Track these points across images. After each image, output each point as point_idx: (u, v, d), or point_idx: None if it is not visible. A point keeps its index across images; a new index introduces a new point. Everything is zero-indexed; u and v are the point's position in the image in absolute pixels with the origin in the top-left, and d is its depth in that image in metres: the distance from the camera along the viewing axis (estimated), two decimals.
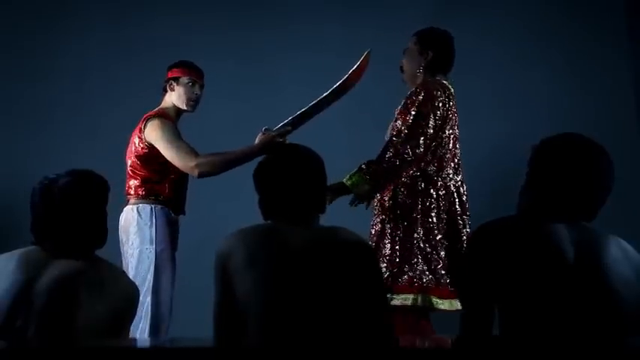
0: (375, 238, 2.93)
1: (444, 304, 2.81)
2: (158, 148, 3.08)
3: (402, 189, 2.91)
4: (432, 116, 2.88)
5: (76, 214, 1.94)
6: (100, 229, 2.01)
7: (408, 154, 2.85)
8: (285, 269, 1.95)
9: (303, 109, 3.10)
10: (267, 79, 4.50)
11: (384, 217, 2.93)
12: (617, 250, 1.79)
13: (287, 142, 2.98)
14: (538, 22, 4.46)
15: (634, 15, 4.46)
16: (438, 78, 3.03)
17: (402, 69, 3.13)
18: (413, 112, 2.90)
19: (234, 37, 4.48)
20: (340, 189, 2.86)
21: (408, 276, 2.80)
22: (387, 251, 2.86)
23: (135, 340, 1.83)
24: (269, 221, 2.10)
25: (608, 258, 1.76)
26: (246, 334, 1.93)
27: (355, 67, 3.12)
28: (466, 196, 3.00)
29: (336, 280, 1.95)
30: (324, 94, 3.12)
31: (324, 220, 2.15)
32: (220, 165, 3.04)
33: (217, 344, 1.86)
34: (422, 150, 2.86)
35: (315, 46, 4.47)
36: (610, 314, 1.72)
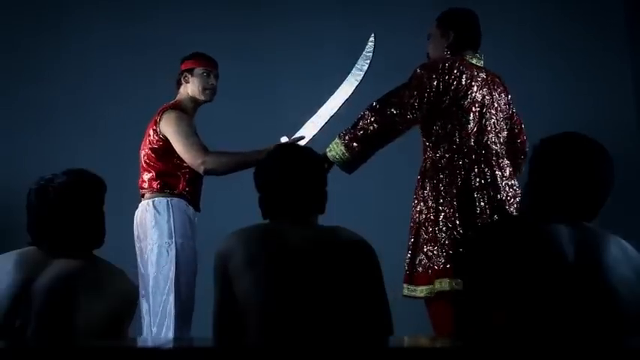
0: (413, 232, 2.84)
1: None
2: (171, 141, 3.08)
3: (427, 173, 2.82)
4: (417, 87, 2.77)
5: (72, 213, 1.94)
6: (97, 228, 2.01)
7: (385, 121, 2.74)
8: (285, 269, 1.95)
9: (313, 117, 3.12)
10: (267, 78, 4.50)
11: (419, 207, 2.83)
12: (618, 250, 1.78)
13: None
14: (538, 22, 4.47)
15: (634, 15, 4.46)
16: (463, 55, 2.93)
17: (428, 56, 3.05)
18: (402, 82, 2.82)
19: (234, 36, 4.48)
20: (323, 159, 2.76)
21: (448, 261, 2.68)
22: (423, 242, 2.77)
23: (134, 339, 1.83)
24: (269, 220, 2.10)
25: (609, 258, 1.76)
26: (246, 334, 1.93)
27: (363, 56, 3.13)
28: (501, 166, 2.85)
29: (336, 280, 1.95)
30: (332, 97, 3.14)
31: (325, 220, 2.15)
32: (227, 165, 3.07)
33: (217, 344, 1.86)
34: (399, 119, 2.74)
35: (315, 44, 4.47)
36: (610, 314, 1.72)
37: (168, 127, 3.09)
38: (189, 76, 3.25)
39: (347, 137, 2.79)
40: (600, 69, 4.38)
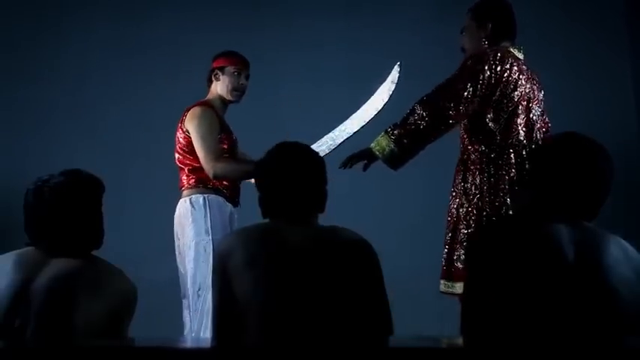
0: (451, 226, 2.80)
1: None
2: (191, 136, 3.08)
3: (472, 167, 2.78)
4: (470, 79, 2.71)
5: (68, 214, 1.93)
6: (95, 229, 2.00)
7: (436, 115, 2.68)
8: (285, 269, 1.94)
9: (329, 134, 3.11)
10: (267, 78, 4.50)
11: (458, 200, 2.79)
12: (618, 249, 1.78)
13: None
14: (538, 21, 4.46)
15: (634, 15, 4.46)
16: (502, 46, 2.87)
17: (463, 49, 2.96)
18: (450, 75, 2.76)
19: (234, 37, 4.48)
20: (366, 154, 2.77)
21: None
22: (463, 237, 2.72)
23: (134, 339, 1.83)
24: (269, 220, 2.10)
25: (609, 258, 1.75)
26: (246, 334, 1.93)
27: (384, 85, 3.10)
28: None
29: (336, 280, 1.95)
30: (351, 119, 3.12)
31: (325, 220, 2.14)
32: (235, 174, 3.07)
33: (217, 344, 1.86)
34: (452, 113, 2.68)
35: (315, 45, 4.47)
36: (610, 314, 1.72)
37: (191, 124, 3.09)
38: (220, 74, 3.22)
39: (396, 132, 2.72)
40: (600, 69, 4.38)
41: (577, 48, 4.41)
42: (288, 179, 2.06)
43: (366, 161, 2.83)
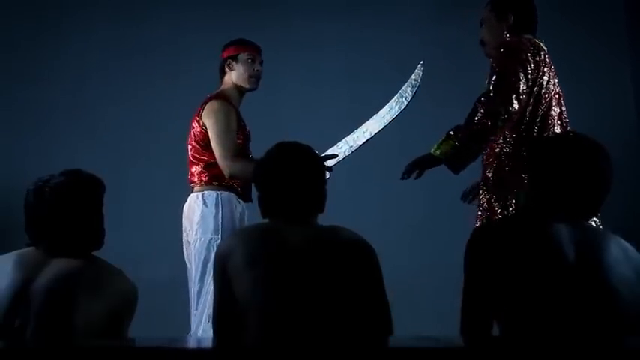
0: (482, 221, 2.73)
1: None
2: (208, 132, 3.04)
3: (506, 161, 2.72)
4: (521, 70, 2.65)
5: (68, 214, 1.94)
6: (96, 229, 2.00)
7: (499, 112, 2.61)
8: (284, 268, 1.94)
9: (349, 136, 3.09)
10: (267, 79, 4.50)
11: (491, 195, 2.73)
12: (618, 249, 1.79)
13: (330, 169, 2.91)
14: (538, 24, 4.47)
15: (634, 15, 4.46)
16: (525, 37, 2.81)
17: (482, 42, 2.89)
18: (497, 70, 2.68)
19: (235, 37, 4.47)
20: (429, 161, 2.71)
21: None
22: None
23: (134, 339, 1.83)
24: (268, 220, 2.10)
25: (609, 257, 1.76)
26: (246, 334, 1.93)
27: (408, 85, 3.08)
28: None
29: (336, 279, 1.95)
30: (373, 120, 3.11)
31: (325, 220, 2.15)
32: (249, 176, 3.02)
33: (217, 344, 1.86)
34: (515, 107, 2.62)
35: (316, 45, 4.47)
36: (610, 314, 1.72)
37: (208, 119, 3.05)
38: (234, 63, 3.19)
39: (461, 135, 2.68)
40: (600, 69, 4.38)
41: (577, 50, 4.41)
42: (287, 179, 2.06)
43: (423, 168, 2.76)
